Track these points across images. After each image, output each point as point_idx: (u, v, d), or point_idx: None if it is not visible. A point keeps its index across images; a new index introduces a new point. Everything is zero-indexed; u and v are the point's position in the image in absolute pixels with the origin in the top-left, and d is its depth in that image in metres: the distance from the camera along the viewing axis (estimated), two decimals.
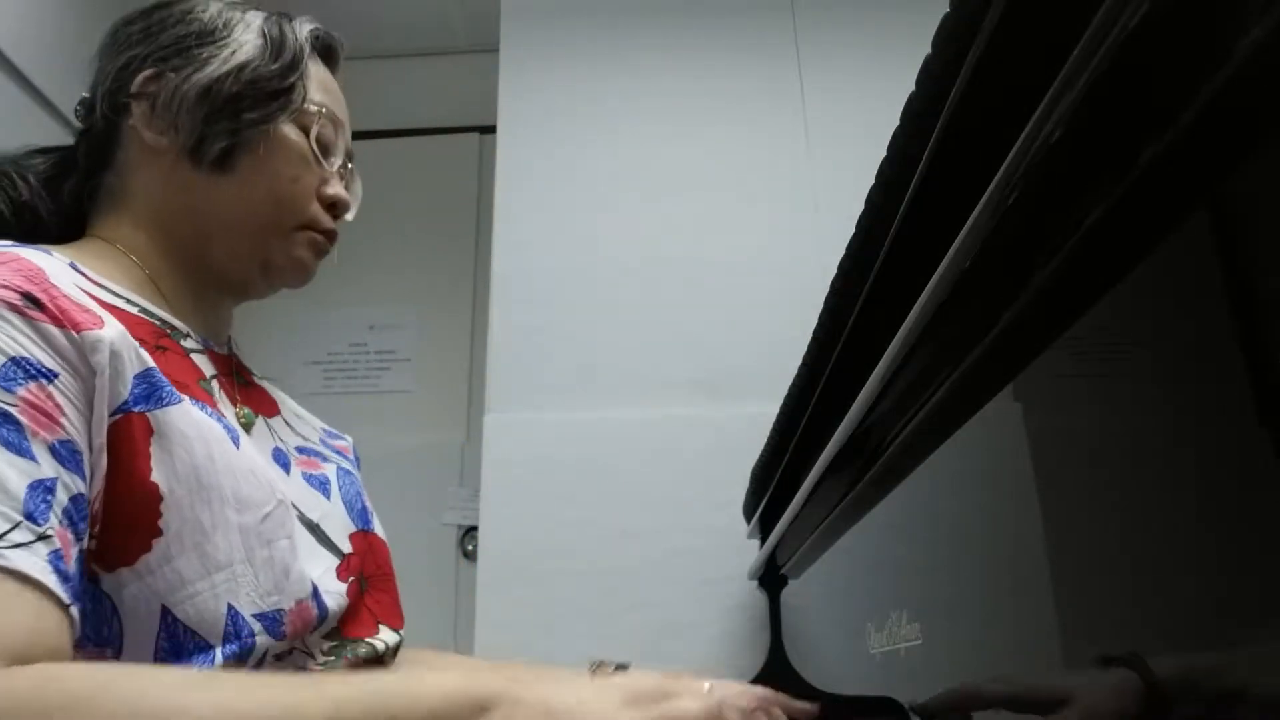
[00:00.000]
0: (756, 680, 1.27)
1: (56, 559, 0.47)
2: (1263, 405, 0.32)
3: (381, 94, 2.37)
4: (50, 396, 0.51)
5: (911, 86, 0.55)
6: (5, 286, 0.52)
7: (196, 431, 0.58)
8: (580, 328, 1.76)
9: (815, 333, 0.88)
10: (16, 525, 0.46)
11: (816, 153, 1.87)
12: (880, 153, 0.62)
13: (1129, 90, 0.35)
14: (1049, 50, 0.38)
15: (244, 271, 0.74)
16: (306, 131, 0.74)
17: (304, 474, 0.74)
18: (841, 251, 0.75)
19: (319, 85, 0.76)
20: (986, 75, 0.46)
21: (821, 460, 0.82)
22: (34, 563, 0.45)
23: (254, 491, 0.61)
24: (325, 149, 0.75)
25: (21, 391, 0.50)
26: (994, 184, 0.43)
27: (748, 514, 1.43)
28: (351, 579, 0.70)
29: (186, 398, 0.60)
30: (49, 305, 0.53)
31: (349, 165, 0.80)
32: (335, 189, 0.76)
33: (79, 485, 0.51)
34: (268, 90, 0.71)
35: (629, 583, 1.57)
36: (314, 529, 0.69)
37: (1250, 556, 0.33)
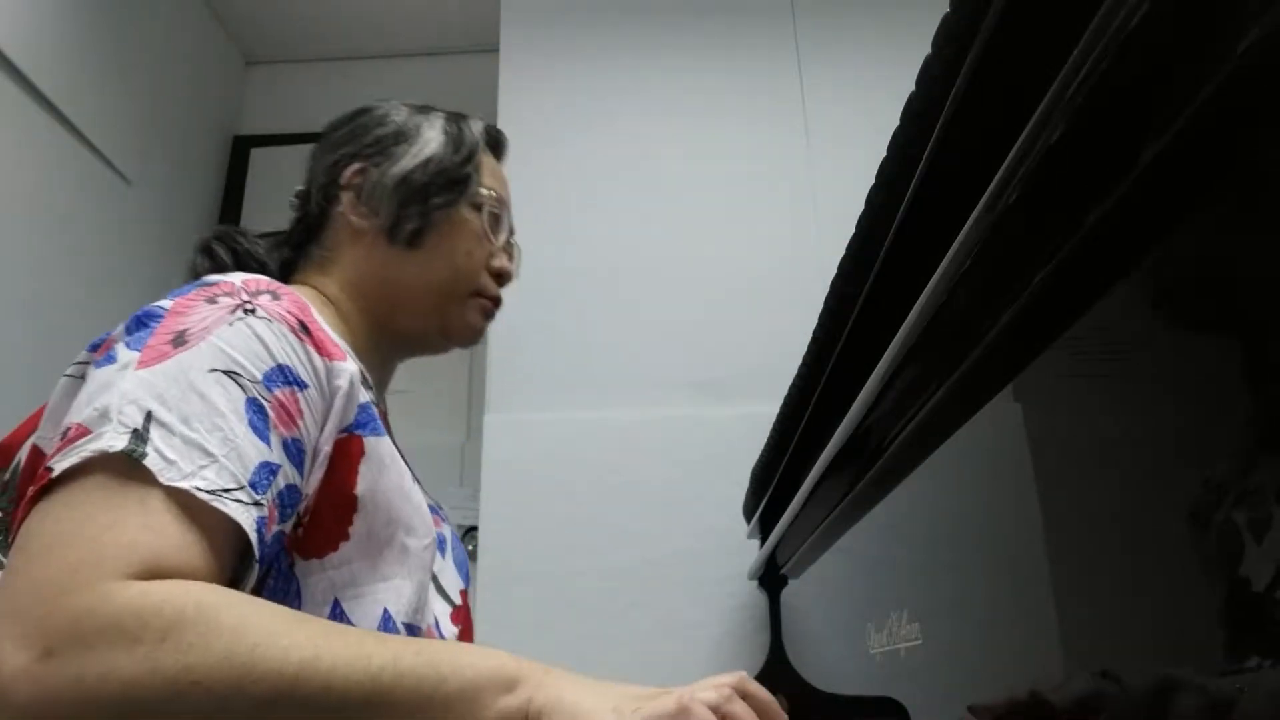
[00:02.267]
0: (756, 679, 1.27)
1: (261, 523, 0.56)
2: (1262, 405, 0.32)
3: (381, 94, 2.36)
4: (297, 402, 0.62)
5: (911, 86, 0.55)
6: (289, 312, 0.65)
7: (393, 463, 0.70)
8: (580, 328, 1.76)
9: (815, 333, 0.88)
10: (242, 487, 0.55)
11: (816, 153, 1.87)
12: (880, 153, 0.62)
13: (1129, 90, 0.35)
14: (1049, 50, 0.38)
15: (425, 332, 0.86)
16: (479, 212, 0.87)
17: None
18: (841, 251, 0.75)
19: (490, 173, 0.90)
20: (986, 75, 0.46)
21: (821, 460, 0.82)
22: (245, 517, 0.54)
23: (421, 523, 0.71)
24: (494, 227, 0.89)
25: (278, 392, 0.61)
26: (994, 184, 0.43)
27: (748, 514, 1.43)
28: (460, 627, 0.80)
29: (388, 435, 0.71)
30: (314, 333, 0.66)
31: (512, 239, 0.93)
32: (501, 261, 0.89)
33: (295, 478, 0.61)
34: (450, 179, 0.85)
35: (629, 583, 1.57)
36: (434, 579, 0.78)
37: (1250, 557, 0.33)
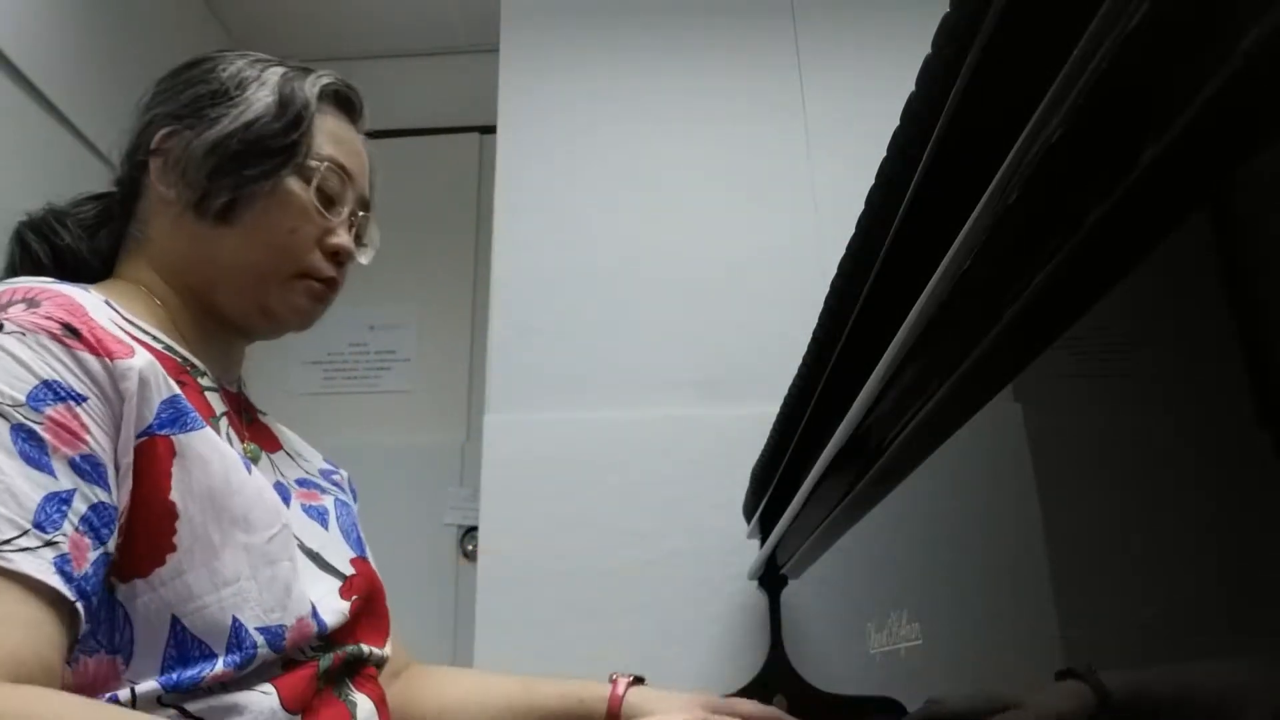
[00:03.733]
0: (756, 680, 1.27)
1: (63, 562, 0.50)
2: (1263, 405, 0.32)
3: (381, 94, 2.36)
4: (76, 417, 0.55)
5: (911, 86, 0.55)
6: (48, 318, 0.57)
7: (214, 455, 0.63)
8: (580, 328, 1.76)
9: (815, 333, 0.88)
10: (25, 532, 0.49)
11: (816, 153, 1.87)
12: (880, 153, 0.62)
13: (1129, 90, 0.35)
14: (1049, 50, 0.38)
15: (246, 316, 0.78)
16: (308, 184, 0.77)
17: (303, 505, 0.78)
18: (841, 251, 0.75)
19: (330, 138, 0.79)
20: (986, 75, 0.46)
21: (821, 460, 0.82)
22: (38, 565, 0.48)
23: (261, 514, 0.65)
24: (329, 200, 0.79)
25: (49, 411, 0.54)
26: (994, 184, 0.43)
27: (748, 514, 1.43)
28: (356, 597, 0.75)
29: (207, 425, 0.64)
30: (86, 335, 0.58)
31: (361, 213, 0.83)
32: (337, 239, 0.79)
33: (100, 495, 0.55)
34: (271, 147, 0.75)
35: (629, 583, 1.57)
36: (314, 556, 0.73)
37: (1250, 557, 0.33)
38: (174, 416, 0.61)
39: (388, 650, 0.81)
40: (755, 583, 1.42)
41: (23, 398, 0.54)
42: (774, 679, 1.26)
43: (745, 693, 1.25)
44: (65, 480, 0.53)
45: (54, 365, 0.56)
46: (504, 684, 0.92)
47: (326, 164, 0.78)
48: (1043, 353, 0.47)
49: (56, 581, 0.49)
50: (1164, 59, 0.33)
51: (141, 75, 2.25)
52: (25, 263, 0.76)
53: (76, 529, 0.52)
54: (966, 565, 0.62)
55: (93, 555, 0.53)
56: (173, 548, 0.59)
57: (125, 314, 0.67)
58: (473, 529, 2.17)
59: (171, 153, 0.75)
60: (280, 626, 0.64)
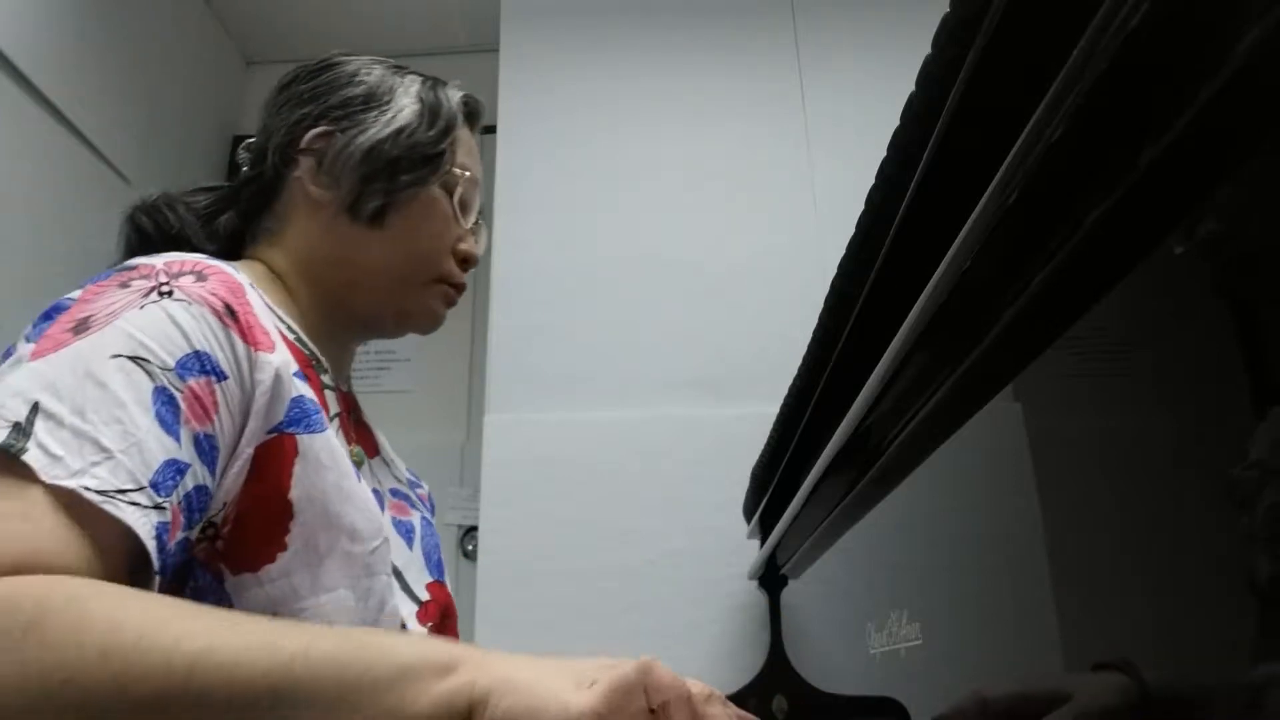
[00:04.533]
0: (756, 680, 1.27)
1: (163, 529, 0.50)
2: (1263, 406, 0.32)
3: None
4: (213, 394, 0.56)
5: (911, 86, 0.55)
6: (213, 294, 0.59)
7: (331, 460, 0.63)
8: (580, 328, 1.76)
9: (815, 333, 0.88)
10: (141, 489, 0.49)
11: (816, 153, 1.87)
12: (880, 153, 0.62)
13: (1129, 90, 0.35)
14: (1049, 50, 0.38)
15: (381, 317, 0.80)
16: (450, 192, 0.80)
17: (393, 519, 0.77)
18: (841, 251, 0.75)
19: (465, 149, 0.83)
20: (986, 75, 0.46)
21: (821, 460, 0.82)
22: (143, 522, 0.48)
23: (366, 525, 0.65)
24: (464, 208, 0.81)
25: (191, 381, 0.55)
26: (994, 184, 0.43)
27: (748, 514, 1.43)
28: (431, 624, 0.74)
29: (330, 427, 0.64)
30: (241, 319, 0.59)
31: (479, 221, 0.86)
32: (469, 245, 0.82)
33: (206, 478, 0.55)
34: (422, 155, 0.77)
35: (629, 583, 1.57)
36: (397, 575, 0.72)
37: (1250, 557, 0.33)
38: (300, 416, 0.62)
39: None
40: (755, 583, 1.42)
41: (172, 362, 0.54)
42: (774, 679, 1.26)
43: (745, 692, 1.25)
44: (186, 453, 0.53)
45: (209, 339, 0.57)
46: None
47: (468, 174, 0.81)
48: (1043, 353, 0.47)
49: (152, 546, 0.49)
50: (1164, 59, 0.33)
51: (142, 75, 2.26)
52: (140, 244, 0.76)
53: (177, 503, 0.52)
54: (966, 565, 0.62)
55: (179, 535, 0.53)
56: (284, 547, 0.59)
57: (266, 300, 0.68)
58: (473, 529, 2.17)
59: (324, 153, 0.76)
60: None
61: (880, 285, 0.68)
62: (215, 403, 0.56)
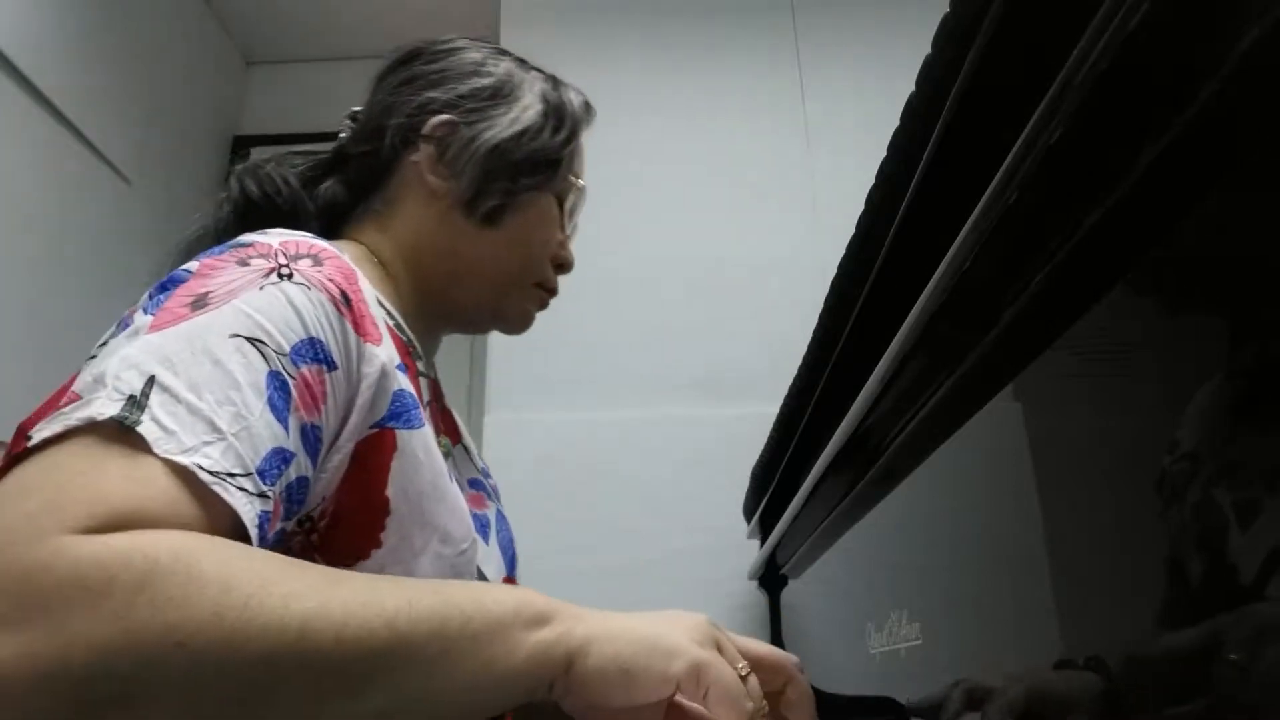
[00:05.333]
0: None
1: (265, 518, 0.49)
2: (1262, 405, 0.32)
3: None
4: (323, 383, 0.55)
5: (911, 86, 0.55)
6: (330, 280, 0.57)
7: (428, 458, 0.61)
8: (580, 328, 1.76)
9: (815, 333, 0.88)
10: (249, 474, 0.48)
11: (816, 152, 1.87)
12: (880, 153, 0.62)
13: (1129, 90, 0.35)
14: (1049, 50, 0.38)
15: (477, 313, 0.80)
16: (561, 200, 0.79)
17: (472, 513, 0.75)
18: (841, 251, 0.75)
19: (579, 156, 0.82)
20: (986, 75, 0.46)
21: (821, 460, 0.82)
22: (248, 509, 0.47)
23: (457, 527, 0.64)
24: (570, 215, 0.81)
25: (304, 369, 0.53)
26: (994, 184, 0.43)
27: (748, 514, 1.43)
28: None
29: (427, 423, 0.63)
30: (355, 308, 0.58)
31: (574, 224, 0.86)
32: (567, 251, 0.82)
33: (308, 469, 0.54)
34: (545, 159, 0.76)
35: (629, 583, 1.56)
36: (478, 572, 0.70)
37: (1249, 557, 0.33)
38: (401, 410, 0.60)
39: None
40: (755, 583, 1.42)
41: (288, 347, 0.53)
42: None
43: None
44: (293, 442, 0.52)
45: (324, 326, 0.55)
46: None
47: (580, 183, 0.81)
48: (1043, 352, 0.47)
49: (254, 535, 0.47)
50: (1164, 59, 0.33)
51: (142, 75, 2.26)
52: (246, 208, 0.74)
53: (279, 494, 0.51)
54: (966, 565, 0.62)
55: (277, 525, 0.52)
56: (378, 544, 0.58)
57: (368, 284, 0.66)
58: None
59: (446, 143, 0.74)
60: None
61: (880, 285, 0.68)
62: (324, 392, 0.55)
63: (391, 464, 0.59)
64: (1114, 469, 0.43)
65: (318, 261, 0.58)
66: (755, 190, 1.85)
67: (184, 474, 0.45)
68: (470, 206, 0.74)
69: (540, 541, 1.63)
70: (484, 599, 0.47)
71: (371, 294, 0.63)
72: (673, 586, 1.56)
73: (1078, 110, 0.37)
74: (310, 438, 0.54)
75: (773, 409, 1.11)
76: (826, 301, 0.82)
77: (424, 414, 0.66)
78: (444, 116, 0.74)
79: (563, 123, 0.78)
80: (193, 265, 0.57)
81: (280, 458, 0.51)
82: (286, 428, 0.51)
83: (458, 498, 0.65)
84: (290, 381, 0.52)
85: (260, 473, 0.49)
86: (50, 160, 1.78)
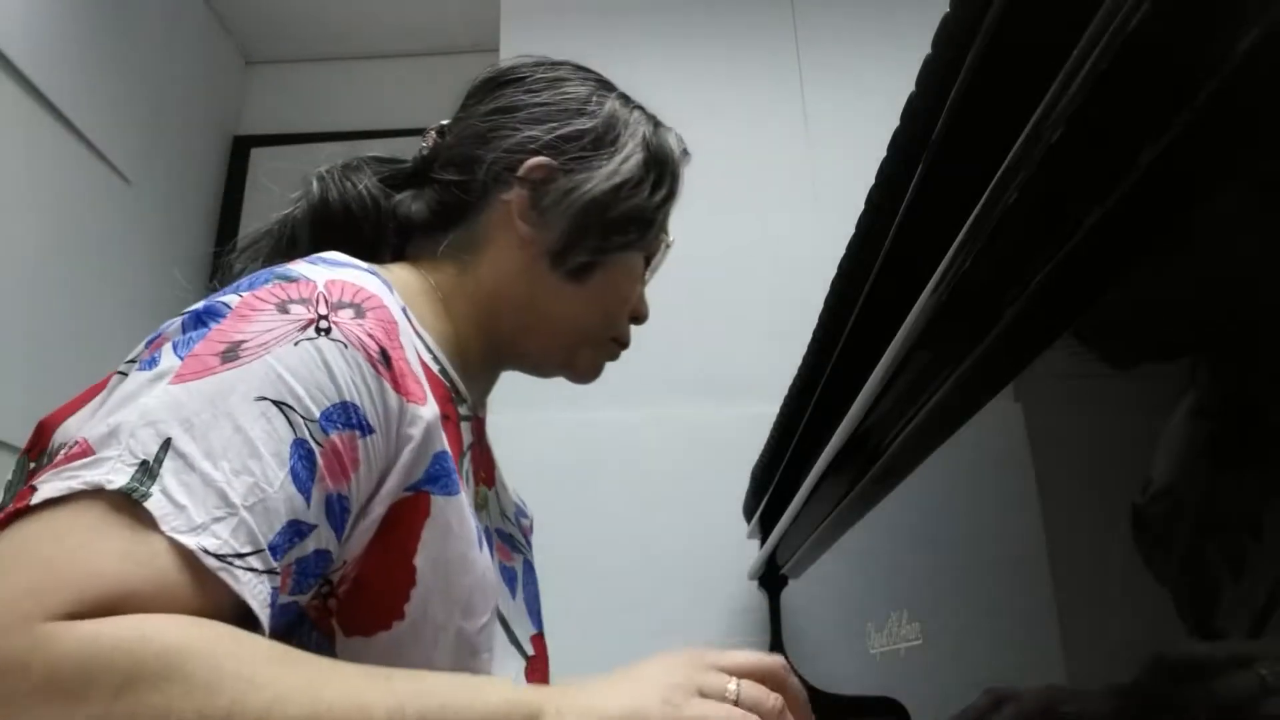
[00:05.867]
0: None
1: (273, 597, 0.47)
2: (1262, 405, 0.32)
3: (382, 94, 2.37)
4: (354, 450, 0.51)
5: (911, 86, 0.55)
6: (370, 335, 0.54)
7: (460, 528, 0.58)
8: None
9: (815, 333, 0.88)
10: (259, 552, 0.46)
11: (816, 152, 1.87)
12: (880, 151, 0.62)
13: (1129, 90, 0.35)
14: (1049, 50, 0.38)
15: (548, 363, 0.77)
16: (649, 259, 0.77)
17: (499, 564, 0.72)
18: (841, 251, 0.75)
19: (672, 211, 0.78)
20: (986, 75, 0.46)
21: (821, 460, 0.82)
22: (256, 592, 0.45)
23: (481, 599, 0.61)
24: (652, 271, 0.78)
25: (334, 435, 0.50)
26: (994, 184, 0.43)
27: (748, 514, 1.43)
28: (534, 683, 0.70)
29: (462, 490, 0.60)
30: (395, 367, 0.55)
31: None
32: (644, 305, 0.79)
33: (331, 543, 0.51)
34: (640, 218, 0.72)
35: (629, 583, 1.57)
36: (505, 625, 0.68)
37: (1249, 557, 0.33)
38: (439, 474, 0.57)
39: None
40: (755, 583, 1.42)
41: (317, 413, 0.50)
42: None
43: None
44: (314, 514, 0.50)
45: (359, 388, 0.52)
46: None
47: (669, 239, 0.78)
48: (1043, 353, 0.47)
49: (264, 616, 0.46)
50: (1164, 59, 0.33)
51: (142, 75, 2.26)
52: (321, 206, 0.71)
53: (291, 567, 0.49)
54: (967, 565, 0.62)
55: (284, 599, 0.49)
56: (401, 615, 0.55)
57: (417, 325, 0.64)
58: None
59: (543, 191, 0.69)
60: None
61: (880, 285, 0.68)
62: (356, 460, 0.52)
63: (423, 531, 0.56)
64: (1113, 469, 0.43)
65: (360, 313, 0.55)
66: (755, 190, 1.85)
67: (188, 555, 0.43)
68: (558, 259, 0.70)
69: (540, 541, 1.63)
70: (473, 698, 0.46)
71: (412, 341, 0.60)
72: (673, 586, 1.56)
73: (1078, 110, 0.37)
74: (335, 509, 0.51)
75: (773, 409, 1.11)
76: (826, 301, 0.82)
77: (462, 474, 0.63)
78: (543, 160, 0.69)
79: (663, 179, 0.74)
80: (232, 299, 0.54)
81: (294, 531, 0.48)
82: (308, 499, 0.49)
83: (487, 568, 0.62)
84: (316, 450, 0.50)
85: (272, 548, 0.47)
86: (50, 160, 1.78)
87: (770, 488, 1.21)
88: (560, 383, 1.82)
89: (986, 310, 0.49)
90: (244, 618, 0.46)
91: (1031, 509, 0.51)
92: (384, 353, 0.54)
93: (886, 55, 1.82)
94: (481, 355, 0.72)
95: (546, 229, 0.69)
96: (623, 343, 0.79)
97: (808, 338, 0.89)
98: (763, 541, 1.30)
